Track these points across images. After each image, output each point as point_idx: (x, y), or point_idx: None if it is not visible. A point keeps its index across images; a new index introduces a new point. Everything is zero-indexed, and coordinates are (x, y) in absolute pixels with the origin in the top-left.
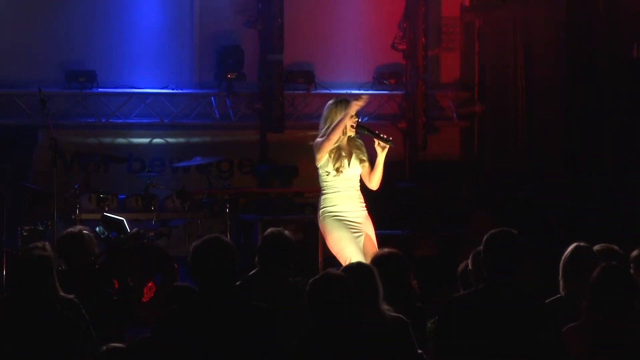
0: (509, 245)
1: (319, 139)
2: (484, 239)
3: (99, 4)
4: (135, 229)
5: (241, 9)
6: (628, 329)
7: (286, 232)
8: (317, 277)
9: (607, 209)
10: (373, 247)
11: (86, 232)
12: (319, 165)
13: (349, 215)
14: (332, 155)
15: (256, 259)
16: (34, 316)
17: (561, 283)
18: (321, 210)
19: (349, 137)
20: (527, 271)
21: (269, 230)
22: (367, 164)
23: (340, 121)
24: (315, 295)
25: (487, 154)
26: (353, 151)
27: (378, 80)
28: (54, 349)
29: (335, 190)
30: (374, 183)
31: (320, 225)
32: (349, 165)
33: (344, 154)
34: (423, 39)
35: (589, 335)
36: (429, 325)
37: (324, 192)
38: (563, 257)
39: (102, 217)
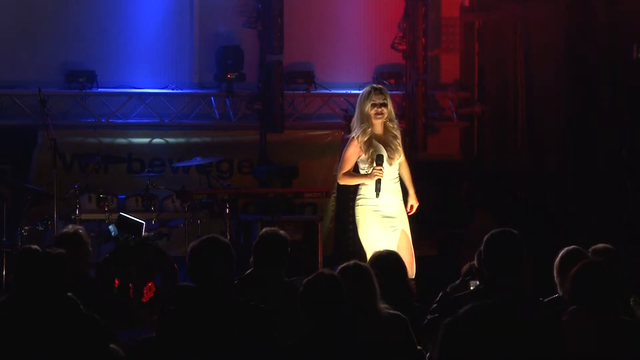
0: (509, 245)
1: (353, 135)
2: (485, 239)
3: (99, 4)
4: (145, 234)
5: (241, 9)
6: (612, 323)
7: (281, 231)
8: (310, 277)
9: (607, 209)
10: (408, 243)
11: (81, 231)
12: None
13: (384, 209)
14: (365, 148)
15: (251, 259)
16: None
17: (558, 284)
18: (358, 196)
19: (385, 126)
20: (527, 271)
21: (263, 229)
22: (402, 156)
23: (358, 179)
24: (309, 295)
25: (487, 154)
26: (390, 141)
27: (378, 80)
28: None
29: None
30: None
31: (356, 210)
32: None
33: (380, 145)
34: (423, 40)
35: (572, 331)
36: None
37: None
38: (557, 260)
39: (118, 217)
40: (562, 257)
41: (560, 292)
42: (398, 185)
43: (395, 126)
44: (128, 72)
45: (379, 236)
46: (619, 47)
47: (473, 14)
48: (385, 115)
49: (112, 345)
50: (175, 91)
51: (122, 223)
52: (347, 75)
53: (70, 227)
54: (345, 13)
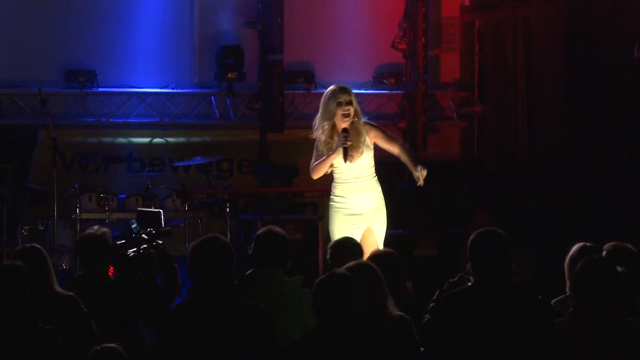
0: (491, 246)
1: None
2: (469, 239)
3: (99, 3)
4: (167, 227)
5: (241, 9)
6: (614, 322)
7: (277, 228)
8: (323, 276)
9: (607, 209)
10: (374, 241)
11: (104, 231)
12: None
13: (350, 207)
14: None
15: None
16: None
17: (568, 283)
18: (330, 198)
19: (351, 123)
20: (521, 269)
21: (260, 229)
22: (371, 152)
23: (326, 159)
24: (321, 295)
25: (487, 154)
26: (356, 138)
27: (378, 80)
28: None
29: (342, 181)
30: None
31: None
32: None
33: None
34: (423, 39)
35: (575, 329)
36: None
37: (334, 180)
38: (568, 257)
39: (137, 212)
40: (572, 255)
41: (568, 291)
42: (367, 182)
43: (362, 122)
44: (128, 72)
45: (341, 234)
46: (619, 47)
47: (473, 14)
48: (352, 115)
49: (113, 345)
50: (175, 91)
51: (141, 217)
52: (347, 74)
53: (95, 229)
54: (345, 13)
